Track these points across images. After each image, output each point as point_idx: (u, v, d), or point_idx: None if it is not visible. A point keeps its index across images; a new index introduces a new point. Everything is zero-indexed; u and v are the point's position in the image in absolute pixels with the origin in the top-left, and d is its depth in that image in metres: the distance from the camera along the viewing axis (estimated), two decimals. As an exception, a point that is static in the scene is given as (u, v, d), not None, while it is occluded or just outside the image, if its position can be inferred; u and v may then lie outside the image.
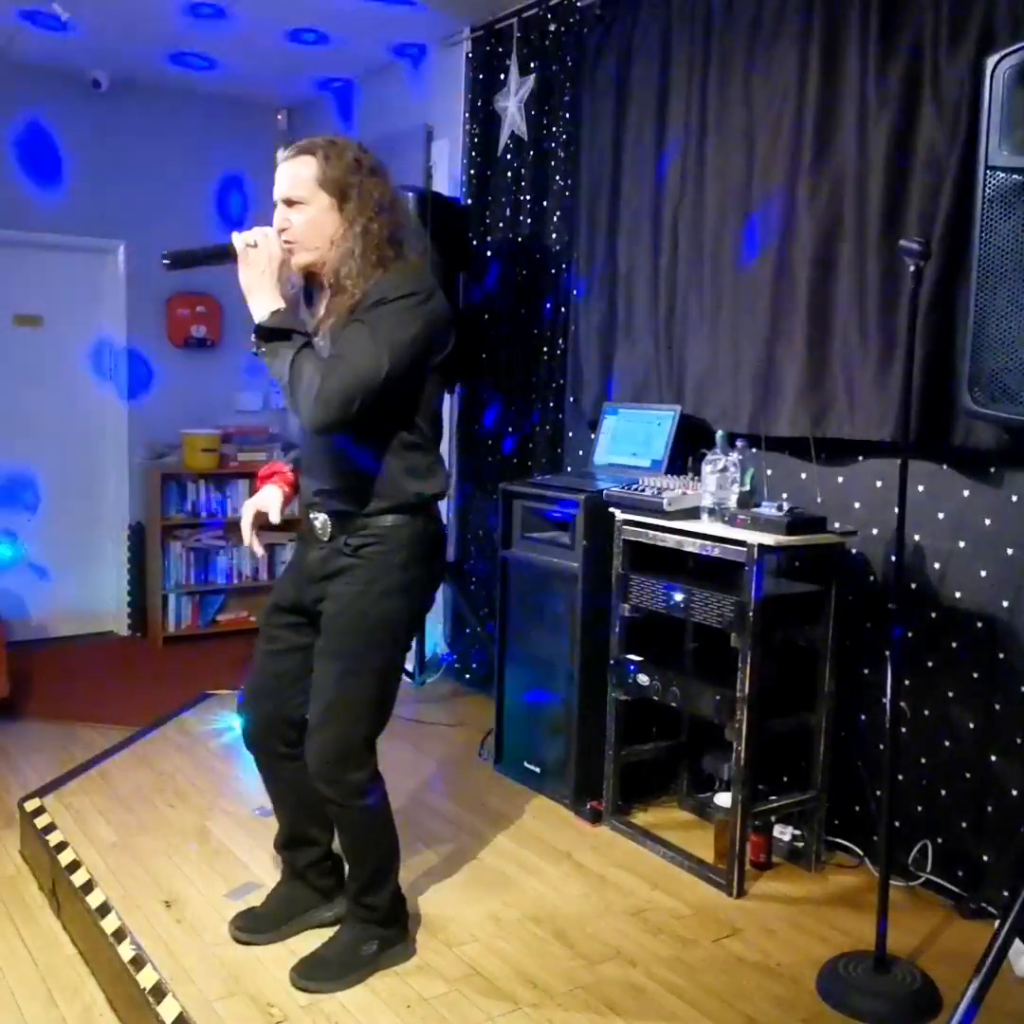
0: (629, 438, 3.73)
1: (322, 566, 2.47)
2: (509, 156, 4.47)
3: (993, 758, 2.88)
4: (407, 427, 2.38)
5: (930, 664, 3.01)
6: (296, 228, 2.34)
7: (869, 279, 3.04)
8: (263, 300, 2.33)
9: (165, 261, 2.34)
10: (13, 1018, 2.47)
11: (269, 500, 2.57)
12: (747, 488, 3.08)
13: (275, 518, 2.56)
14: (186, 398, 5.91)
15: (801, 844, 3.15)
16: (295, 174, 2.33)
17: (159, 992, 2.40)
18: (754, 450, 3.29)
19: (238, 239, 2.32)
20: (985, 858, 2.89)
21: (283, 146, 2.47)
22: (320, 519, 2.46)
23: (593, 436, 3.96)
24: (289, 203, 2.35)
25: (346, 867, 2.60)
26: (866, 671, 3.17)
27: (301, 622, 2.55)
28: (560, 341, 4.29)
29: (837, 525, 3.12)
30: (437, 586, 2.60)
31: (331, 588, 2.44)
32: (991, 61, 2.27)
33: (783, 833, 3.17)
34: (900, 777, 3.00)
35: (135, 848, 3.16)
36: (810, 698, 3.11)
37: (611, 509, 3.32)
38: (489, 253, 4.58)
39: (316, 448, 2.46)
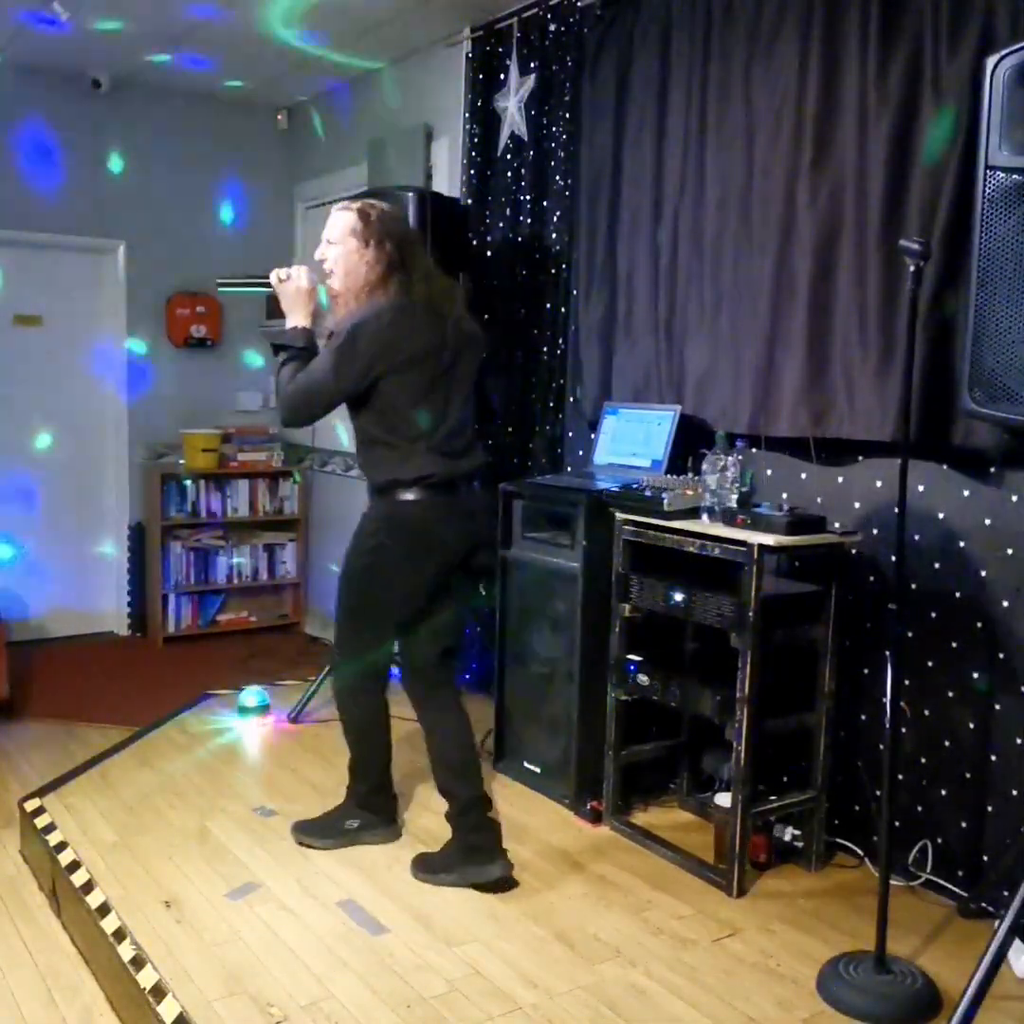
0: (629, 438, 3.73)
1: None
2: (509, 156, 4.47)
3: (993, 758, 2.88)
4: (377, 423, 2.93)
5: (930, 664, 3.01)
6: (329, 263, 2.99)
7: (869, 279, 3.04)
8: (291, 319, 3.02)
9: (217, 284, 3.21)
10: (13, 1018, 2.47)
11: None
12: (747, 488, 3.08)
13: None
14: (186, 398, 5.91)
15: (801, 844, 3.15)
16: (334, 223, 2.98)
17: (159, 992, 2.40)
18: (754, 450, 3.30)
19: (274, 276, 3.02)
20: (985, 858, 2.89)
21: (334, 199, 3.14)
22: None
23: (593, 436, 3.96)
24: (328, 242, 2.98)
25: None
26: (866, 671, 3.17)
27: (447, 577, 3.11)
28: (560, 341, 4.29)
29: (837, 525, 3.12)
30: (419, 557, 2.97)
31: None
32: (991, 61, 2.27)
33: (783, 833, 3.17)
34: (900, 777, 3.00)
35: (135, 848, 3.16)
36: (810, 698, 3.11)
37: (611, 509, 3.32)
38: (489, 253, 4.58)
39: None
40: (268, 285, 3.01)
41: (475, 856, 2.97)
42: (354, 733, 3.21)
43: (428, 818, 3.38)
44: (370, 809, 3.21)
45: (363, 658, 3.10)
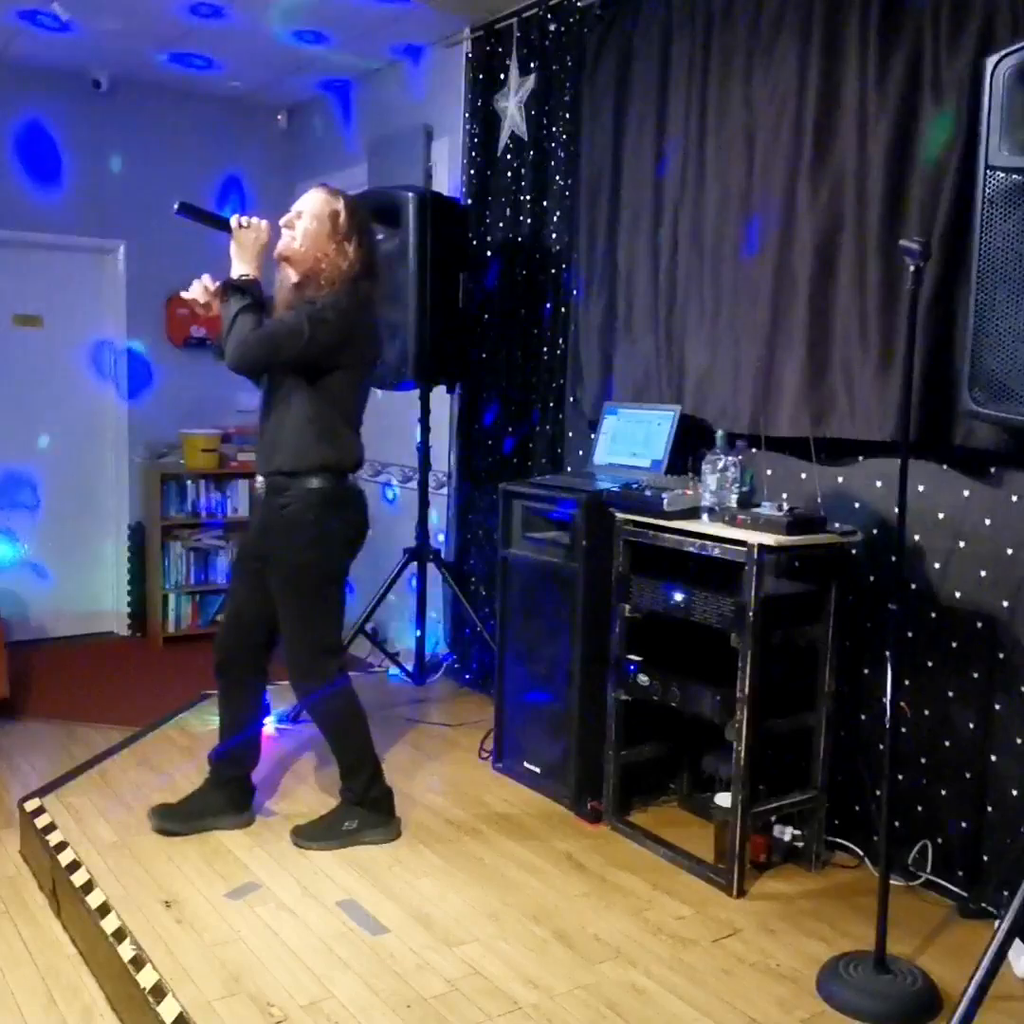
0: (629, 438, 3.73)
1: (262, 521, 3.14)
2: (509, 156, 4.47)
3: (993, 758, 2.88)
4: (319, 406, 3.03)
5: (930, 664, 3.01)
6: (297, 230, 3.09)
7: (869, 279, 3.04)
8: (241, 266, 3.06)
9: (176, 205, 3.05)
10: (13, 1018, 2.47)
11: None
12: (747, 488, 3.08)
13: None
14: (186, 398, 5.91)
15: (801, 844, 3.14)
16: (314, 199, 3.10)
17: (159, 992, 2.40)
18: (754, 450, 3.29)
19: (235, 219, 3.06)
20: (985, 858, 2.89)
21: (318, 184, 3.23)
22: (260, 482, 3.15)
23: (593, 436, 3.96)
24: (300, 214, 3.10)
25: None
26: (866, 671, 3.17)
27: (260, 567, 3.16)
28: (560, 341, 4.28)
29: (837, 525, 3.12)
30: (357, 536, 3.19)
31: (269, 541, 3.11)
32: (991, 61, 2.27)
33: (783, 833, 3.16)
34: (900, 777, 3.00)
35: (135, 848, 3.16)
36: (810, 698, 3.11)
37: (611, 509, 3.32)
38: (489, 253, 4.58)
39: (263, 420, 3.14)
40: (227, 226, 3.09)
41: (233, 809, 3.30)
42: (338, 732, 3.24)
43: (425, 816, 3.39)
44: (366, 806, 3.23)
45: (331, 653, 3.19)
